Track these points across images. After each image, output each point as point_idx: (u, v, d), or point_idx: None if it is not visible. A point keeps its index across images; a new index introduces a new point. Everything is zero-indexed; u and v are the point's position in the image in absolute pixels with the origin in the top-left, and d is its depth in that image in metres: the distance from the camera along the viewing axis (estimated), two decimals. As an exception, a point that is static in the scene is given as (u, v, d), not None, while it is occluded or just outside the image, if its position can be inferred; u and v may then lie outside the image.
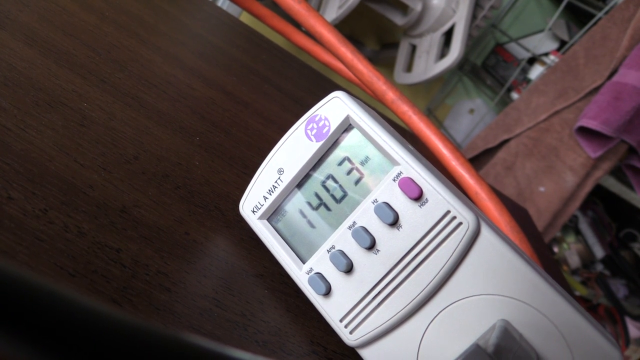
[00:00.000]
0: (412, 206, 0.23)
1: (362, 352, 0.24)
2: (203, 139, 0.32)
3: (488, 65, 1.82)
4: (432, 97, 2.01)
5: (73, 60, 0.30)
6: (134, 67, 0.34)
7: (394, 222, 0.23)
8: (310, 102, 0.51)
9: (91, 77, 0.30)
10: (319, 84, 0.57)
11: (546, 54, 1.61)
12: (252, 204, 0.26)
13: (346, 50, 0.49)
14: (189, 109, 0.34)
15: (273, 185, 0.26)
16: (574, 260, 1.68)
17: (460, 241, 0.22)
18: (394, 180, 0.23)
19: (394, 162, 0.23)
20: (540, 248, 0.57)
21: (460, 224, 0.22)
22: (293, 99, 0.48)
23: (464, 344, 0.21)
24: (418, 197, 0.22)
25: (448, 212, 0.22)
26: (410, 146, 0.24)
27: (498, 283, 0.21)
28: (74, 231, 0.20)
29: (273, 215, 0.26)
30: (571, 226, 1.70)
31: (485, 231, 0.22)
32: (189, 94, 0.36)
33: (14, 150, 0.22)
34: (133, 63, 0.34)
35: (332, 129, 0.25)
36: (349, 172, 0.24)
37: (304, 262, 0.25)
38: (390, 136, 0.23)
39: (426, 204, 0.22)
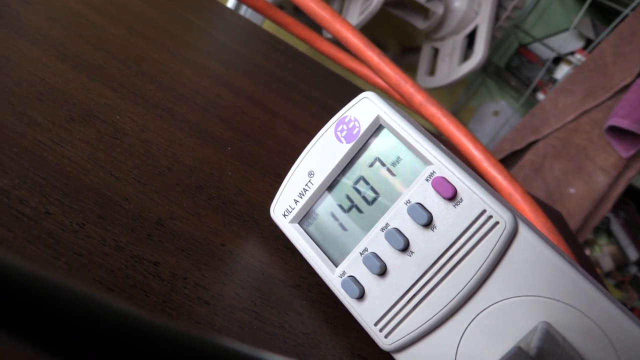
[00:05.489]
0: (447, 206, 0.22)
1: (398, 357, 0.23)
2: (234, 149, 0.32)
3: (512, 67, 1.80)
4: (456, 100, 1.99)
5: (104, 74, 0.30)
6: (163, 78, 0.34)
7: (428, 223, 0.22)
8: (338, 109, 0.50)
9: (122, 89, 0.30)
10: (346, 91, 0.56)
11: (572, 53, 1.58)
12: (282, 208, 0.26)
13: (372, 54, 0.49)
14: (218, 118, 0.34)
15: (304, 189, 0.25)
16: (607, 263, 1.64)
17: (498, 241, 0.21)
18: (427, 180, 0.22)
19: (426, 162, 0.23)
20: (576, 250, 0.56)
21: (497, 223, 0.21)
22: (321, 106, 0.47)
23: (504, 347, 0.21)
24: (452, 196, 0.22)
25: (484, 211, 0.21)
26: (442, 146, 0.24)
27: (538, 284, 0.20)
28: (112, 245, 0.20)
29: (304, 218, 0.26)
30: (603, 228, 1.66)
31: (524, 230, 0.21)
32: (218, 103, 0.36)
33: (50, 164, 0.22)
34: (162, 74, 0.34)
35: (362, 130, 0.24)
36: (380, 174, 0.24)
37: (336, 266, 0.24)
38: (422, 136, 0.23)
39: (461, 204, 0.22)
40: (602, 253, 1.62)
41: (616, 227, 1.65)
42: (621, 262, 1.65)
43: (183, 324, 0.19)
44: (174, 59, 0.38)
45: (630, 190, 1.41)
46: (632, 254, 1.62)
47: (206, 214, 0.25)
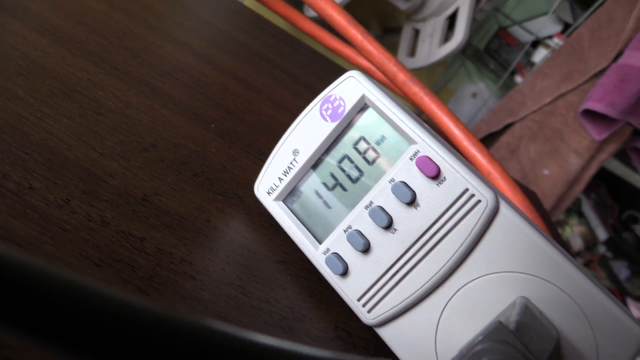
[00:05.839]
0: (430, 185, 0.22)
1: (381, 331, 0.24)
2: (218, 126, 0.32)
3: (491, 49, 1.80)
4: (435, 81, 2.00)
5: (86, 48, 0.30)
6: (145, 54, 0.34)
7: (412, 201, 0.23)
8: (321, 88, 0.50)
9: (104, 65, 0.30)
10: (329, 70, 0.56)
11: (550, 37, 1.59)
12: (267, 186, 0.26)
13: (356, 32, 0.49)
14: (202, 95, 0.34)
15: (288, 167, 0.26)
16: (577, 243, 1.68)
17: (479, 219, 0.21)
18: (411, 159, 0.23)
19: (410, 141, 0.23)
20: (551, 229, 0.57)
21: (478, 201, 0.21)
22: (304, 84, 0.47)
23: (483, 321, 0.21)
24: (436, 175, 0.22)
25: (466, 190, 0.22)
26: (426, 125, 0.24)
27: (517, 260, 0.21)
28: (97, 220, 0.20)
29: (288, 196, 0.26)
30: (574, 209, 1.70)
31: (504, 208, 0.21)
32: (202, 80, 0.35)
33: (33, 139, 0.22)
34: (144, 50, 0.34)
35: (348, 108, 0.24)
36: (364, 152, 0.24)
37: (320, 243, 0.25)
38: (406, 115, 0.23)
39: (444, 182, 0.22)
40: (573, 233, 1.66)
41: (587, 208, 1.69)
42: (590, 242, 1.70)
43: (170, 298, 0.19)
44: (155, 34, 0.37)
45: (601, 173, 1.45)
46: (601, 234, 1.67)
47: (191, 191, 0.25)
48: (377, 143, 0.24)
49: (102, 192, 0.22)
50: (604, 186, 1.74)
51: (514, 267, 0.21)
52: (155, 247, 0.21)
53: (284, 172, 0.26)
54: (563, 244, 0.61)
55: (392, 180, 0.23)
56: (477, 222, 0.22)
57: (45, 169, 0.21)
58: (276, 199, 0.26)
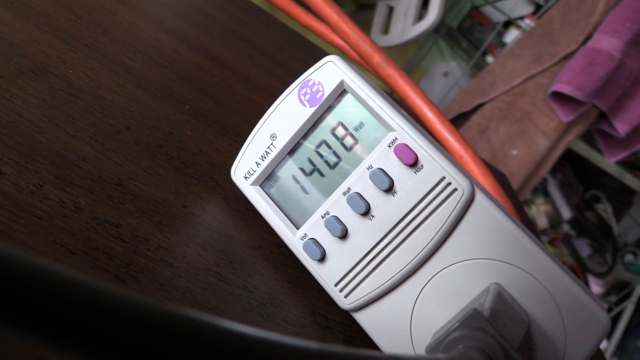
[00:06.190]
0: (407, 172, 0.23)
1: (357, 316, 0.24)
2: (193, 107, 0.31)
3: (464, 28, 1.81)
4: (407, 60, 2.00)
5: (54, 24, 0.29)
6: (116, 30, 0.32)
7: (389, 188, 0.23)
8: (296, 68, 0.50)
9: (74, 42, 0.28)
10: (304, 48, 0.56)
11: (522, 18, 1.61)
12: (244, 170, 0.26)
13: (332, 12, 0.48)
14: (175, 74, 0.33)
15: (265, 151, 0.25)
16: (542, 221, 1.73)
17: (455, 207, 0.22)
18: (389, 146, 0.23)
19: (389, 128, 0.23)
20: (519, 211, 0.59)
21: (455, 190, 0.22)
22: (278, 63, 0.47)
23: (457, 306, 0.22)
24: (413, 163, 0.22)
25: (443, 178, 0.22)
26: (404, 112, 0.24)
27: (491, 248, 0.22)
28: (71, 207, 0.20)
29: (266, 181, 0.26)
30: (540, 188, 1.75)
31: (480, 197, 0.22)
32: (175, 58, 0.35)
33: (1, 122, 0.21)
34: (115, 26, 0.33)
35: (326, 94, 0.24)
36: (342, 138, 0.24)
37: (297, 228, 0.25)
38: (385, 102, 0.23)
39: (421, 170, 0.22)
40: (539, 212, 1.71)
41: (552, 188, 1.73)
42: (555, 221, 1.75)
43: (148, 286, 0.19)
44: (126, 9, 0.36)
45: (567, 154, 1.49)
46: (565, 213, 1.72)
47: (166, 175, 0.25)
48: (356, 129, 0.24)
49: (75, 177, 0.21)
50: (569, 166, 1.79)
51: (488, 254, 0.22)
52: (131, 234, 0.21)
53: (262, 156, 0.26)
54: (530, 224, 0.63)
55: (370, 167, 0.23)
56: (452, 210, 0.22)
57: (15, 153, 0.20)
58: (253, 183, 0.26)
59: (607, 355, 1.72)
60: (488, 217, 0.22)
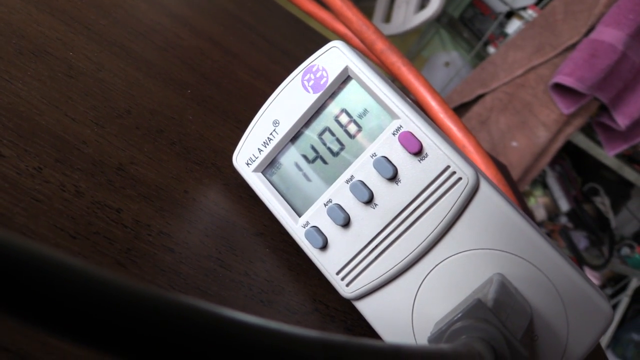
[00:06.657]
0: (412, 161, 0.22)
1: (359, 305, 0.24)
2: (194, 92, 0.31)
3: (465, 18, 1.80)
4: (408, 49, 1.99)
5: (53, 5, 0.28)
6: (117, 13, 0.32)
7: (393, 177, 0.22)
8: (298, 54, 0.49)
9: (74, 23, 0.28)
10: (306, 35, 0.55)
11: (524, 8, 1.60)
12: (246, 156, 0.26)
13: (335, -2, 0.48)
14: (177, 59, 0.32)
15: (268, 138, 0.25)
16: (540, 213, 1.74)
17: (459, 196, 0.22)
18: (394, 134, 0.23)
19: (393, 116, 0.23)
20: (520, 202, 0.59)
21: (459, 179, 0.22)
22: (281, 49, 0.46)
23: (459, 297, 0.22)
24: (418, 151, 0.22)
25: (448, 167, 0.22)
26: (409, 99, 0.24)
27: (494, 238, 0.21)
28: (72, 190, 0.19)
29: (268, 167, 0.26)
30: (539, 180, 1.75)
31: (484, 186, 0.22)
32: (177, 43, 0.34)
33: (1, 103, 0.20)
34: (116, 9, 0.32)
35: (330, 80, 0.24)
36: (346, 125, 0.24)
37: (299, 216, 0.25)
38: (390, 89, 0.23)
39: (426, 159, 0.22)
40: (537, 204, 1.71)
41: (551, 180, 1.73)
42: (553, 213, 1.75)
43: (149, 272, 0.19)
44: (127, -9, 0.35)
45: (566, 146, 1.48)
46: (563, 206, 1.72)
47: (168, 160, 0.25)
48: (360, 116, 0.24)
49: (76, 161, 0.21)
50: (568, 159, 1.79)
51: (491, 244, 0.22)
52: (132, 219, 0.20)
53: (264, 143, 0.25)
54: (530, 216, 0.63)
55: (374, 154, 0.23)
56: (457, 200, 0.22)
57: (15, 135, 0.20)
58: (255, 170, 0.26)
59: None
60: (492, 207, 0.21)
